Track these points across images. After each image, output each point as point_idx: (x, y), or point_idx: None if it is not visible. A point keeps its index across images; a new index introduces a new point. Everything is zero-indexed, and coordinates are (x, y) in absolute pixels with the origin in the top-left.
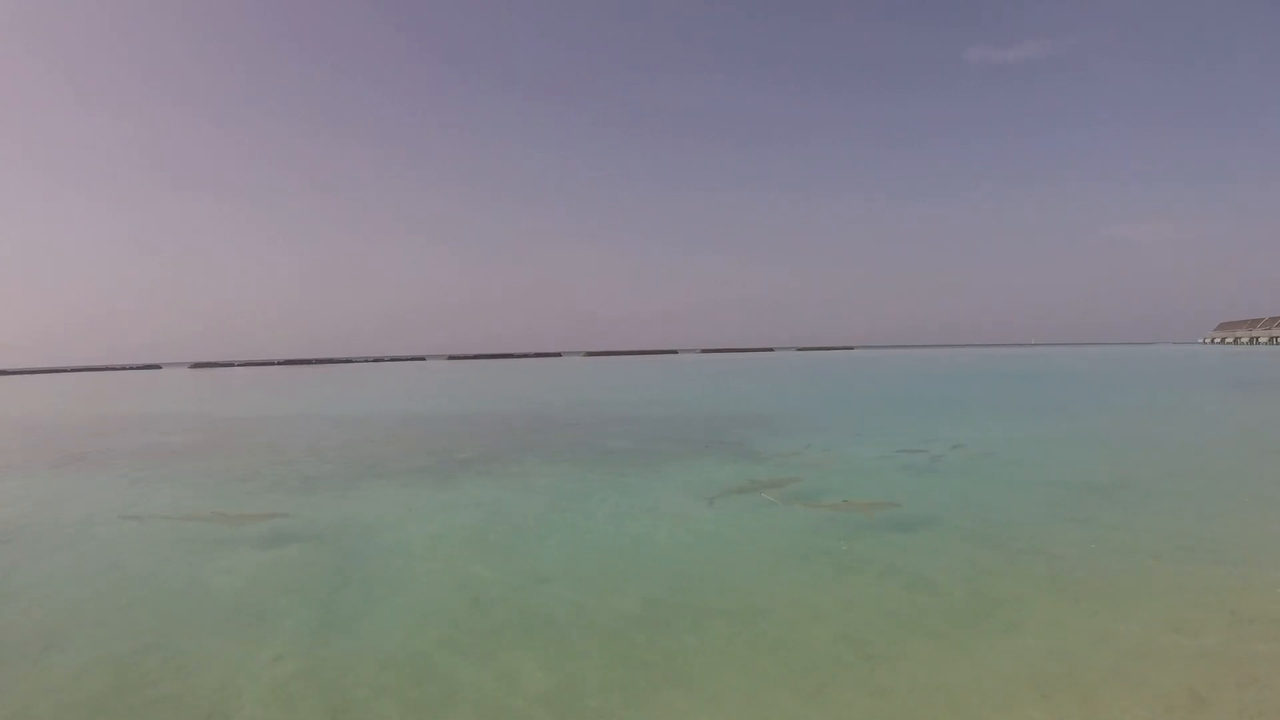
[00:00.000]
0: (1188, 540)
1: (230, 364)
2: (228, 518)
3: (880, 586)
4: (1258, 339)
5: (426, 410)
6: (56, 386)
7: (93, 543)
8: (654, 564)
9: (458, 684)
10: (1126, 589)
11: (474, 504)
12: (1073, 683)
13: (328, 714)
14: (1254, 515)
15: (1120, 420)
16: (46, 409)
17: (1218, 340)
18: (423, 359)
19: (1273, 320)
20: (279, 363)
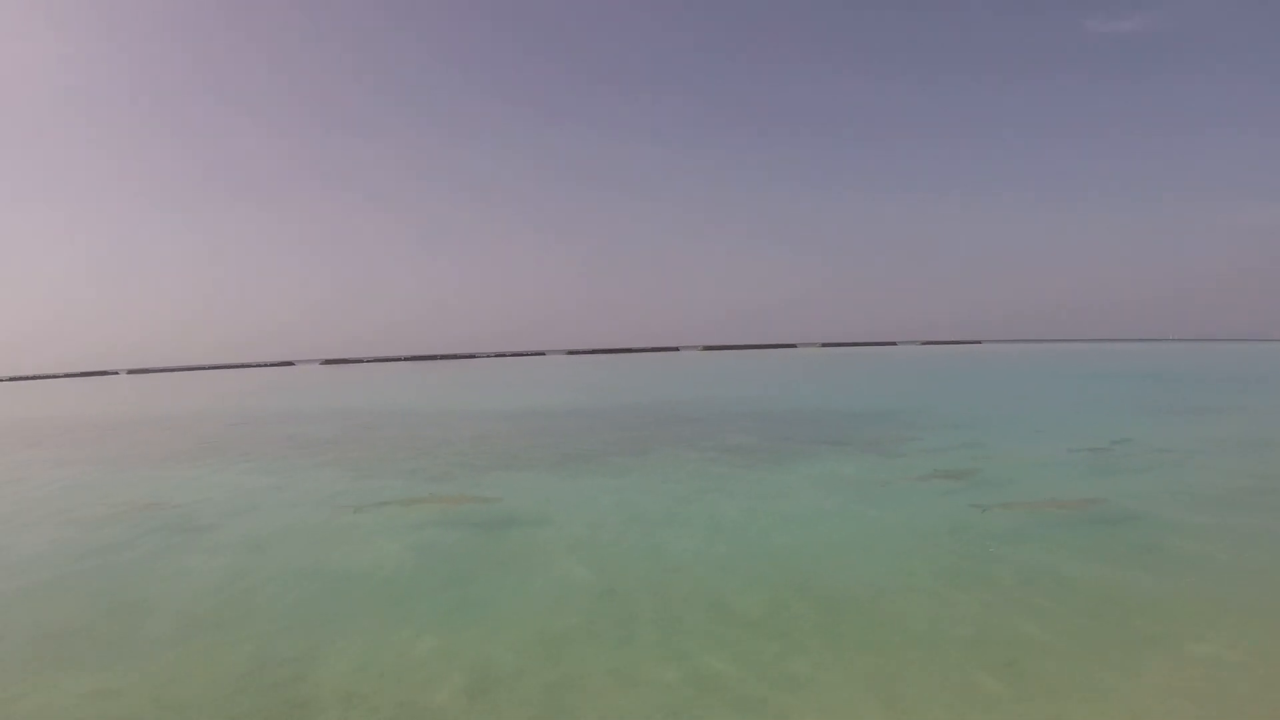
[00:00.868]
0: None
1: (360, 360)
2: (398, 503)
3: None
4: None
5: (554, 404)
6: (209, 384)
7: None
8: (786, 558)
9: (592, 668)
10: None
11: (606, 493)
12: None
13: (466, 695)
14: None
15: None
16: (219, 402)
17: None
18: (542, 354)
19: None
20: (405, 359)
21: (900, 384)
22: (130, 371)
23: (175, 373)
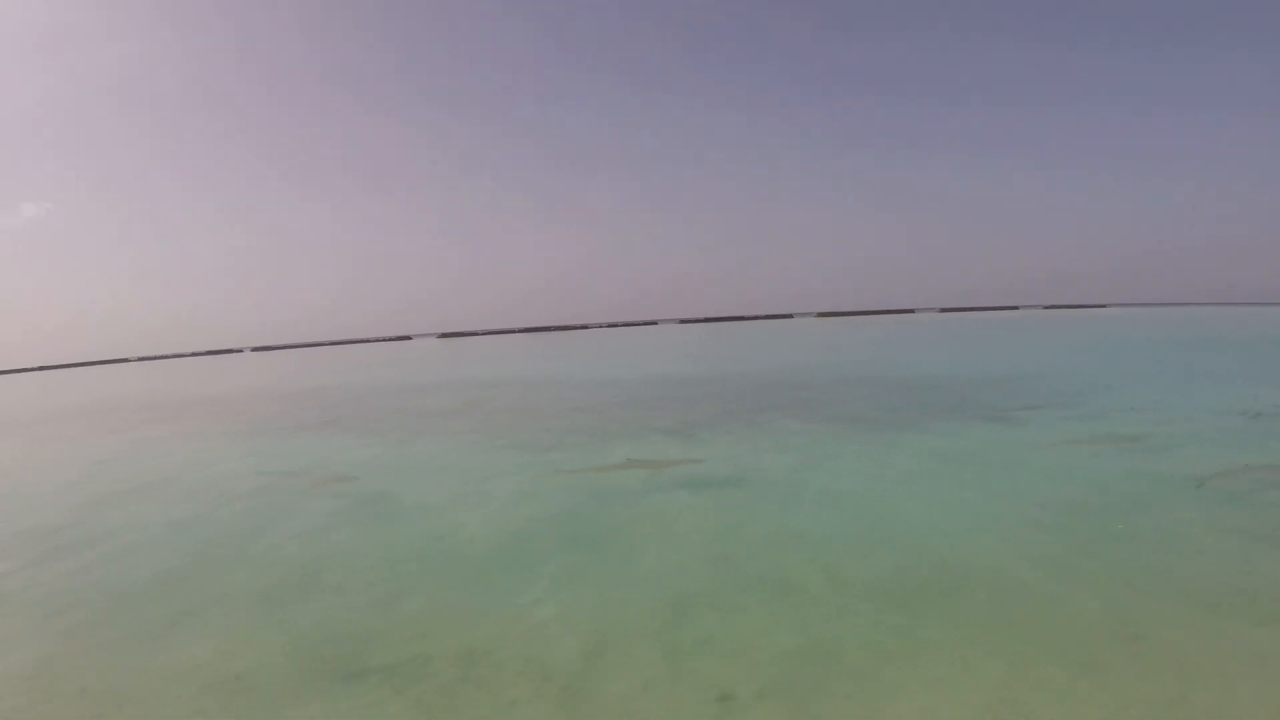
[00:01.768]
0: None
1: (474, 333)
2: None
3: None
4: None
5: (670, 373)
6: (341, 356)
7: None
8: (906, 528)
9: (711, 634)
10: None
11: (721, 460)
12: None
13: (582, 658)
14: None
15: None
16: (374, 376)
17: None
18: (654, 323)
19: None
20: (518, 330)
21: (1033, 350)
22: (254, 350)
23: (297, 349)
